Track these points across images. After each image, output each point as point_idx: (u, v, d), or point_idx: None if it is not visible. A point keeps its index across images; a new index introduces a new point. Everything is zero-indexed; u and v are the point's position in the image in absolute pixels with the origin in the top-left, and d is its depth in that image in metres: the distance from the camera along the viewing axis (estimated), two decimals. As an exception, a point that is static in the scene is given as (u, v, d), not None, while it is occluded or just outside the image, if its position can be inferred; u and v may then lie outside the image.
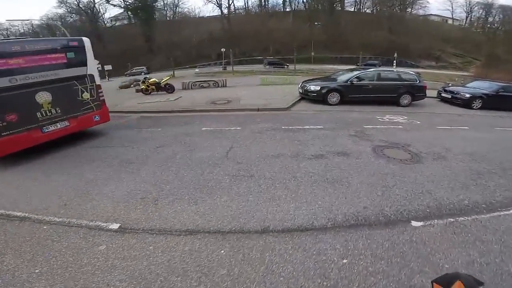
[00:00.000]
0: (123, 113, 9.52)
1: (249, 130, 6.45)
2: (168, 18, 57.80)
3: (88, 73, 6.06)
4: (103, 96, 6.47)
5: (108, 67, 42.68)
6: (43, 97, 5.24)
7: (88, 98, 6.12)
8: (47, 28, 51.82)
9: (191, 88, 14.88)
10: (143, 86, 13.77)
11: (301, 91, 10.13)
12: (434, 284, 0.99)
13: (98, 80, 6.36)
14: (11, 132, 4.77)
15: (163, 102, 10.77)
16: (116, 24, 56.07)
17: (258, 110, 8.41)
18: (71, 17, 52.07)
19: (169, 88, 13.65)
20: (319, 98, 9.39)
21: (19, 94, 4.85)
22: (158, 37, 50.11)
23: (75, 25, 52.21)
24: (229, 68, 31.34)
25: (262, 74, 23.79)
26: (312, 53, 41.79)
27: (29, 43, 5.07)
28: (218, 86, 14.80)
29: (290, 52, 36.06)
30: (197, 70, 26.01)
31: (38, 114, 5.19)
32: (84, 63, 5.98)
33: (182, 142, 5.79)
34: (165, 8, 54.90)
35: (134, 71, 37.96)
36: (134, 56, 52.24)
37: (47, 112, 5.34)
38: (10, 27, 46.85)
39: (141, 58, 51.96)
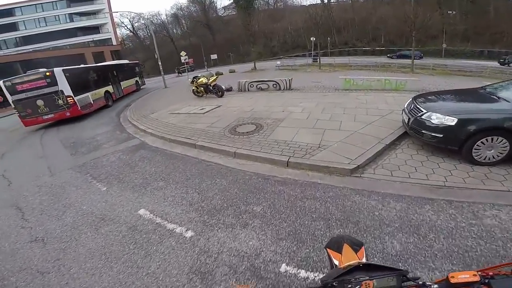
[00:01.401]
0: (138, 130, 7.85)
1: (198, 250, 2.53)
2: (271, 6, 56.26)
3: (59, 89, 9.99)
4: (72, 101, 10.24)
5: (213, 56, 45.51)
6: (39, 102, 9.93)
7: (62, 103, 10.14)
8: (175, 17, 60.48)
9: (248, 89, 11.63)
10: (193, 87, 11.72)
11: (406, 119, 4.65)
12: (328, 249, 1.17)
13: (67, 92, 10.12)
14: (28, 117, 10.02)
15: (190, 116, 8.11)
16: (224, 14, 59.22)
17: (287, 165, 4.12)
18: (194, 7, 58.28)
19: (218, 91, 10.93)
20: (452, 146, 3.84)
21: (29, 101, 9.81)
22: (258, 25, 49.46)
23: (195, 15, 58.57)
24: (328, 59, 25.73)
25: (359, 70, 17.70)
26: (444, 45, 30.19)
27: (27, 76, 9.84)
28: (279, 89, 10.85)
29: (408, 43, 26.45)
30: (278, 62, 22.25)
31: (39, 110, 9.99)
32: (56, 84, 9.91)
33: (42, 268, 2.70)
34: (268, -4, 53.19)
35: (181, 68, 36.40)
36: (236, 45, 54.10)
37: (42, 110, 10.02)
38: (150, 16, 57.39)
39: (241, 48, 53.23)
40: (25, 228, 3.48)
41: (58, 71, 9.80)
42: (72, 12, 43.34)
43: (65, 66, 10.56)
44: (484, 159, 3.72)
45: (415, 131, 4.30)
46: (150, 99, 14.08)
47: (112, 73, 15.05)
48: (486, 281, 0.65)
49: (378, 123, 5.43)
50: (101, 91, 12.96)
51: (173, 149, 5.69)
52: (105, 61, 37.68)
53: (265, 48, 51.40)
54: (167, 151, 5.63)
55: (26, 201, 4.26)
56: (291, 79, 10.87)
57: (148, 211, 3.36)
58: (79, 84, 10.98)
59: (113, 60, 36.60)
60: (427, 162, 3.89)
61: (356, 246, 1.14)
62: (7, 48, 40.20)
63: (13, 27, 40.57)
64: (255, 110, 7.53)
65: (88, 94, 11.54)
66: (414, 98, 4.87)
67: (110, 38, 45.80)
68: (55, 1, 41.86)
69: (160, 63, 18.90)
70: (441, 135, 3.89)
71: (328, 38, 36.71)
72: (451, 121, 3.80)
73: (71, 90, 10.11)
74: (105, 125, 9.31)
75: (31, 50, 37.90)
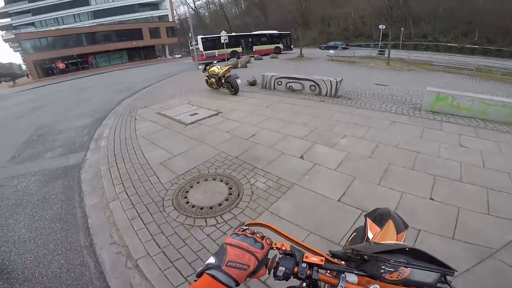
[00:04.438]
0: (102, 133, 5.69)
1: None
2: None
3: (198, 47, 21.59)
4: (202, 53, 20.87)
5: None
6: (195, 51, 20.85)
7: (199, 54, 20.92)
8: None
9: (274, 87, 8.57)
10: (205, 77, 9.13)
11: None
12: (368, 218, 1.01)
13: (201, 48, 21.02)
14: (194, 57, 21.73)
15: (170, 125, 5.58)
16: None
17: None
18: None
19: (231, 86, 8.12)
20: None
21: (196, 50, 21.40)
22: (315, 10, 43.78)
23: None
24: (400, 53, 19.95)
25: (446, 72, 12.89)
26: None
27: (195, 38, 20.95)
28: (318, 93, 7.44)
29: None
30: (331, 52, 17.90)
31: (195, 55, 21.90)
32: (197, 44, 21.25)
33: None
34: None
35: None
36: (289, 29, 49.54)
37: (197, 55, 20.91)
38: None
39: (293, 31, 48.48)
40: None
41: (199, 38, 19.91)
42: (134, -12, 44.51)
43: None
44: None
45: None
46: (172, 81, 13.13)
47: (245, 40, 23.37)
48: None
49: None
50: (228, 50, 20.64)
51: (88, 197, 3.23)
52: (159, 37, 38.94)
53: (321, 34, 45.63)
54: (76, 198, 3.19)
55: None
56: (340, 80, 7.26)
57: None
58: (209, 45, 20.64)
59: (168, 35, 40.04)
60: None
61: (400, 227, 0.96)
62: (80, 21, 43.81)
63: (85, 2, 44.15)
64: (257, 139, 4.52)
65: (215, 51, 20.74)
66: None
67: (167, 15, 46.33)
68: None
69: (190, 44, 17.75)
70: None
71: (402, 29, 29.74)
72: None
73: (203, 48, 20.25)
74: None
75: (95, 24, 40.99)
